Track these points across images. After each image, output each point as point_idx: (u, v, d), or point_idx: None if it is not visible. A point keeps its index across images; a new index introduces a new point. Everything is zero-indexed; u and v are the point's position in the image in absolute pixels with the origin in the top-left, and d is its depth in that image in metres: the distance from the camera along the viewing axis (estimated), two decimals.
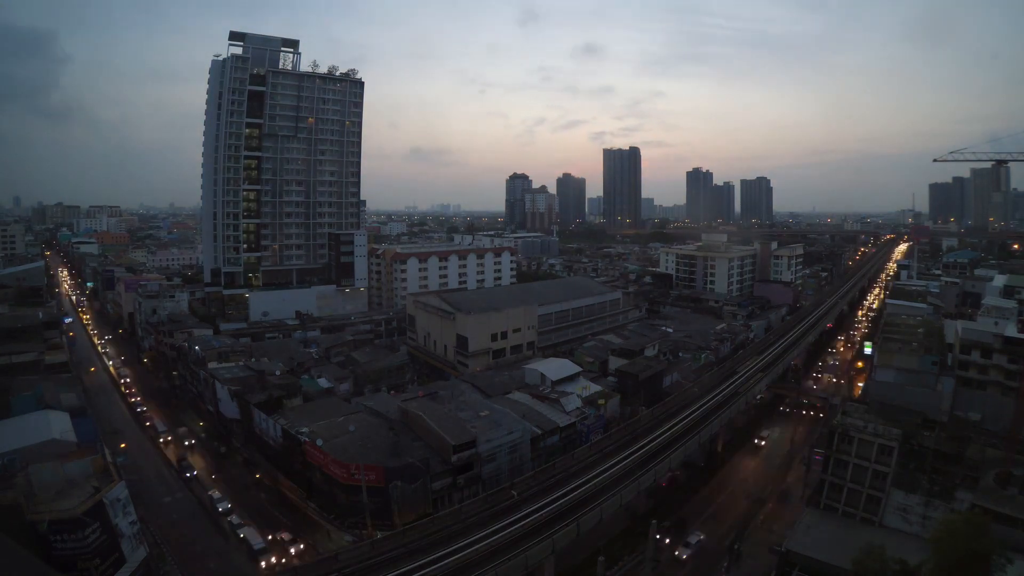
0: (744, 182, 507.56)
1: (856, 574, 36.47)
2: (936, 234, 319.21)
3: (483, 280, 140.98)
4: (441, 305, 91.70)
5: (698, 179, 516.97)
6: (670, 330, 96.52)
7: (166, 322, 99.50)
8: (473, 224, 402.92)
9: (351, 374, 75.31)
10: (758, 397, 77.67)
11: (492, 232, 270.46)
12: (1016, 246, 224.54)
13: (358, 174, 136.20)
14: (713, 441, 65.56)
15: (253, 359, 78.30)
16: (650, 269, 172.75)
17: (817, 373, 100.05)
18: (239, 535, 51.13)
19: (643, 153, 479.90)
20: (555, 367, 69.16)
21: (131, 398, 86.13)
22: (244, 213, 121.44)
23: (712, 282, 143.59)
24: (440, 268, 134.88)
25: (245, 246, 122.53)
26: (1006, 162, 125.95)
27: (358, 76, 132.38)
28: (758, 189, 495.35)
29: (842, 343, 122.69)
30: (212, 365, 74.88)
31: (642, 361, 77.88)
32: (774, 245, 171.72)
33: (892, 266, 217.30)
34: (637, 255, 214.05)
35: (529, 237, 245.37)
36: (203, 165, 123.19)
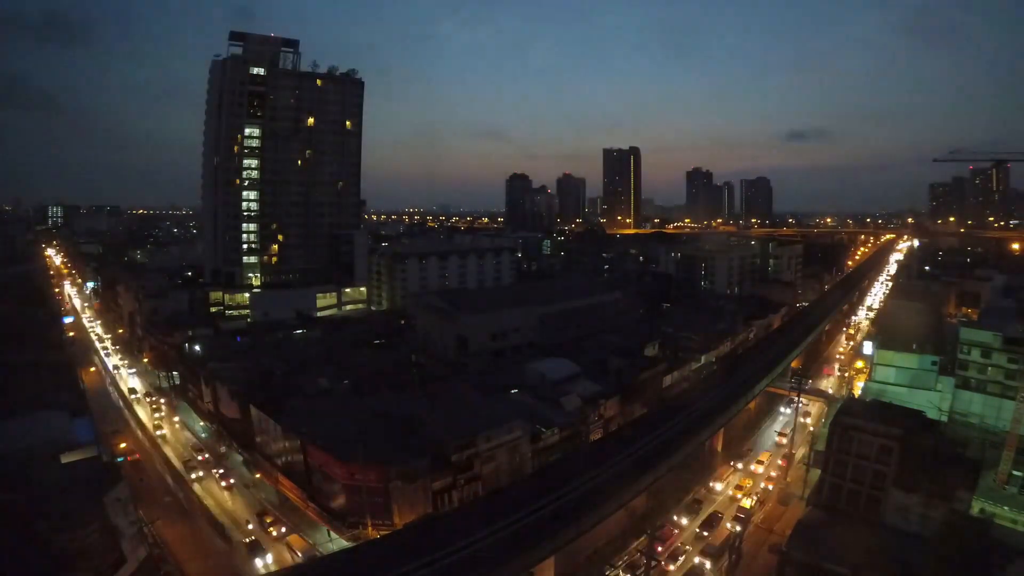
0: (744, 182, 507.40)
1: (856, 574, 36.50)
2: (936, 234, 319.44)
3: (483, 280, 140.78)
4: (441, 305, 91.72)
5: (698, 179, 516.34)
6: (670, 330, 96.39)
7: (166, 322, 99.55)
8: (473, 224, 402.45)
9: (351, 374, 75.21)
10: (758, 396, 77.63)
11: (492, 232, 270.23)
12: (1016, 246, 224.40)
13: (358, 174, 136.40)
14: (713, 441, 65.57)
15: (253, 359, 78.26)
16: (650, 269, 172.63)
17: (817, 373, 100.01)
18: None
19: (642, 152, 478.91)
20: (555, 367, 69.10)
21: (131, 397, 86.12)
22: (244, 213, 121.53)
23: (712, 282, 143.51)
24: (440, 268, 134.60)
25: (245, 246, 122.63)
26: (1006, 162, 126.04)
27: (358, 76, 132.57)
28: (758, 189, 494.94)
29: (842, 343, 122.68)
30: (212, 365, 74.86)
31: (642, 361, 77.86)
32: (773, 245, 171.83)
33: (892, 266, 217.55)
34: (637, 255, 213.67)
35: (529, 237, 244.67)
36: (203, 165, 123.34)
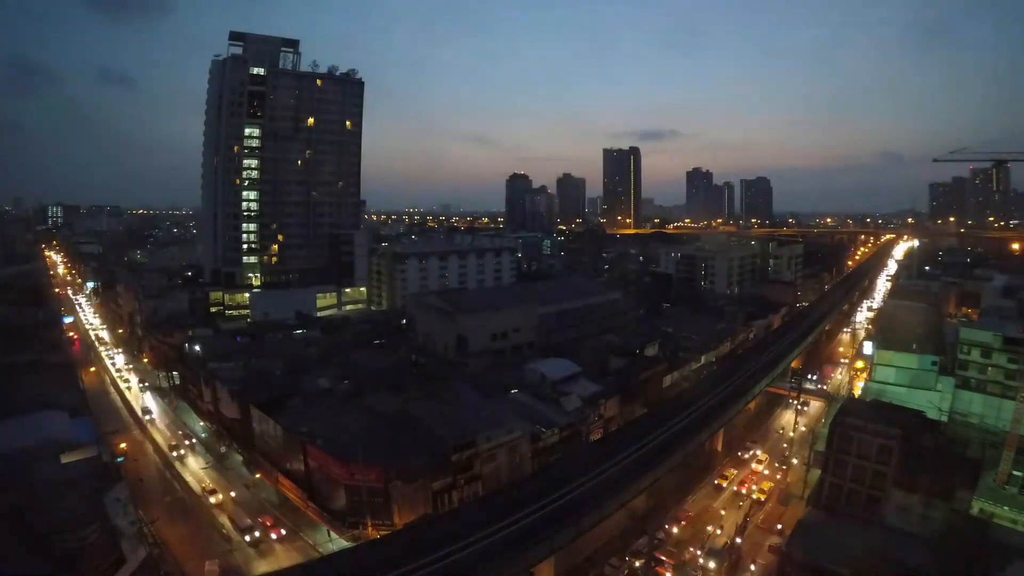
0: (744, 182, 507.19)
1: (856, 574, 36.48)
2: (936, 234, 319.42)
3: (483, 280, 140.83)
4: (441, 305, 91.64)
5: (698, 179, 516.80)
6: (670, 330, 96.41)
7: (166, 322, 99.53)
8: (473, 224, 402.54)
9: (351, 374, 75.23)
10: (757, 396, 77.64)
11: (492, 232, 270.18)
12: (1016, 246, 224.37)
13: (358, 174, 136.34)
14: (713, 441, 65.58)
15: (253, 359, 78.27)
16: (650, 269, 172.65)
17: (817, 373, 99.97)
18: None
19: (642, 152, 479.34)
20: (555, 367, 69.11)
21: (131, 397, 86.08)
22: (244, 213, 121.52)
23: (712, 282, 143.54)
24: (440, 268, 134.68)
25: (245, 246, 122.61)
26: (1006, 162, 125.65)
27: (358, 76, 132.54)
28: (758, 189, 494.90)
29: (842, 343, 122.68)
30: (212, 365, 74.87)
31: (642, 361, 77.87)
32: (774, 245, 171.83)
33: (892, 266, 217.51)
34: (637, 255, 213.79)
35: (529, 237, 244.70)
36: (203, 165, 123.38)
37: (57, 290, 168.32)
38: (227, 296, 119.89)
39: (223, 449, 69.15)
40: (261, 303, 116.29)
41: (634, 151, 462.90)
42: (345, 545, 46.70)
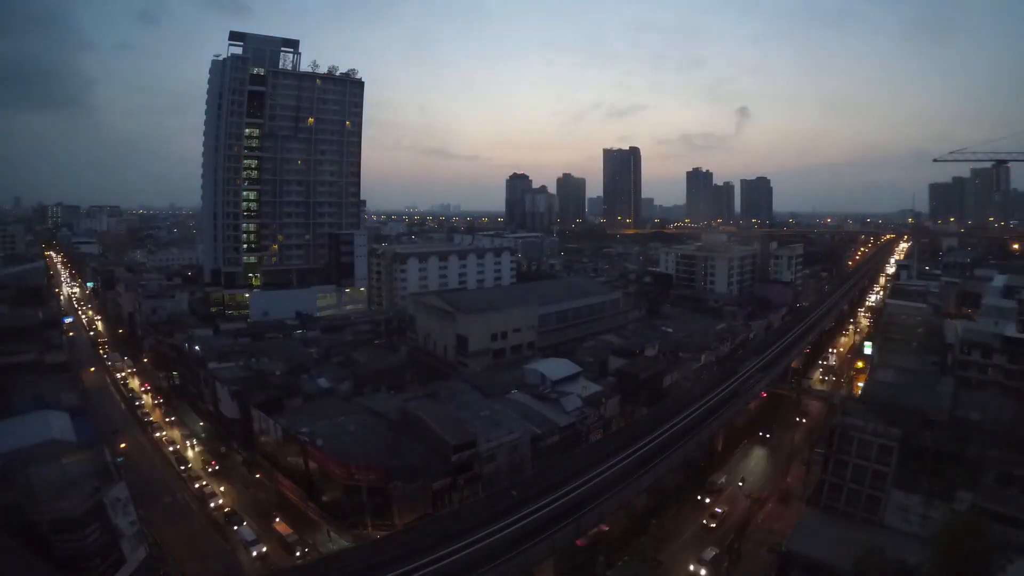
0: (744, 182, 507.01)
1: (856, 574, 36.47)
2: (936, 234, 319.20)
3: (483, 280, 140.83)
4: (441, 305, 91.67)
5: (698, 179, 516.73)
6: (670, 330, 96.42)
7: (166, 322, 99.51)
8: (473, 224, 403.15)
9: (351, 374, 75.29)
10: (758, 396, 77.60)
11: (492, 232, 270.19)
12: (1016, 246, 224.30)
13: (358, 174, 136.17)
14: (713, 441, 65.58)
15: (253, 359, 78.27)
16: (650, 269, 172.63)
17: (817, 373, 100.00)
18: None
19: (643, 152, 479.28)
20: (555, 367, 69.10)
21: (130, 397, 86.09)
22: (244, 213, 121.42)
23: (712, 282, 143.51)
24: (440, 268, 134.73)
25: (245, 246, 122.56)
26: (1006, 162, 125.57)
27: (358, 76, 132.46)
28: (758, 189, 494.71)
29: (842, 343, 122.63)
30: (212, 365, 74.82)
31: (642, 361, 77.86)
32: (774, 245, 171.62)
33: (892, 266, 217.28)
34: (637, 255, 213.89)
35: (529, 237, 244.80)
36: (203, 165, 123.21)
37: (56, 290, 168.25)
38: (227, 296, 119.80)
39: (223, 449, 69.12)
40: (261, 303, 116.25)
41: (634, 151, 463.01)
42: (345, 545, 46.72)
